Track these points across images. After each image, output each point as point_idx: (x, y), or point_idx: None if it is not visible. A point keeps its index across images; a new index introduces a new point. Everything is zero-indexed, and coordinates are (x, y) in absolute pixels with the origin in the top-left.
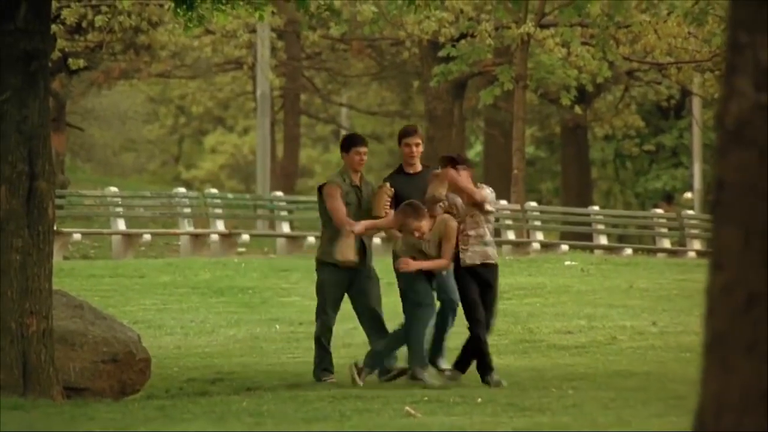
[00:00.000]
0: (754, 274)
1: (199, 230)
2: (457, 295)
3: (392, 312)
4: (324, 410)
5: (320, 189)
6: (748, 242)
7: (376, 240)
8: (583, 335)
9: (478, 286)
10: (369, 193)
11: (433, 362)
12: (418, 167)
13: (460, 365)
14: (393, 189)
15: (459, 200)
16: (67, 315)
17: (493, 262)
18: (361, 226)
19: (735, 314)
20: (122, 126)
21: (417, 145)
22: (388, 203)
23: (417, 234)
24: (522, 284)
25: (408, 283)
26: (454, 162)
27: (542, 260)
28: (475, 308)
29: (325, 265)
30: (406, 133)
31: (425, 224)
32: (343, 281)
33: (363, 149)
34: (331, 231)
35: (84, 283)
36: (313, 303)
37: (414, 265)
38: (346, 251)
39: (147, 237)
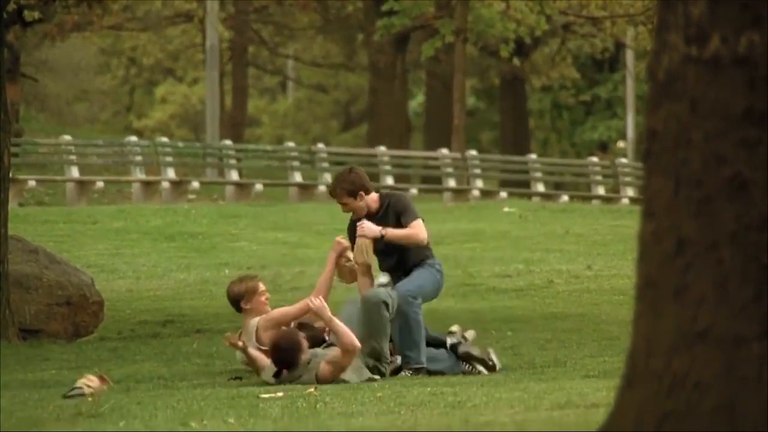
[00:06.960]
0: (683, 222)
1: (151, 178)
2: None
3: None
4: None
5: None
6: (678, 191)
7: None
8: (521, 279)
9: None
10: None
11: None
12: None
13: None
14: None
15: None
16: (23, 259)
17: None
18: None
19: (664, 260)
20: (75, 77)
21: (344, 205)
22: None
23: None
24: (462, 230)
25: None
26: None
27: (482, 207)
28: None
29: None
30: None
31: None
32: None
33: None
34: None
35: (39, 229)
36: (260, 248)
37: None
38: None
39: (100, 184)
